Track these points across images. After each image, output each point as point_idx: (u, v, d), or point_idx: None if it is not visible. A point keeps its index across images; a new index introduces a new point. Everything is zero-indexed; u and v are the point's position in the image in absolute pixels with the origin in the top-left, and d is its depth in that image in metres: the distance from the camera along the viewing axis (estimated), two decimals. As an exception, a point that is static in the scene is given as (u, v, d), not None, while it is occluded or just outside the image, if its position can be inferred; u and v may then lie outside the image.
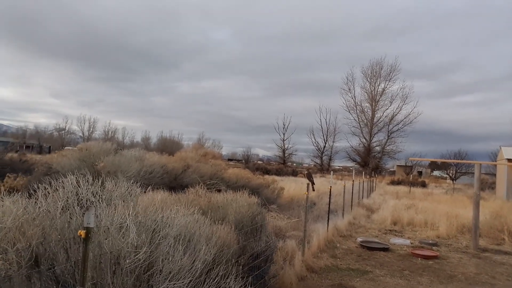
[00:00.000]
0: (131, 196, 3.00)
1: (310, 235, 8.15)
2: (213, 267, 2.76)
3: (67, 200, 2.49)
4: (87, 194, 2.65)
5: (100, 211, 2.37)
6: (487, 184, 38.49)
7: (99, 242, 2.16)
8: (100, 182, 3.05)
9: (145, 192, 4.80)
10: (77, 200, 2.56)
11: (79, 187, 2.71)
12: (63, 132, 78.90)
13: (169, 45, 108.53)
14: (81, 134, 77.96)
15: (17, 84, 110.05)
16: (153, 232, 2.39)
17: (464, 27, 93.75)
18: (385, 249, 8.71)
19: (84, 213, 1.90)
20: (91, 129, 79.35)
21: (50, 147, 72.47)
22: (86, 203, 2.50)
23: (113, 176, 8.15)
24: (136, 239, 2.17)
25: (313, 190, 7.60)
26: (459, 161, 51.42)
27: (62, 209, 2.48)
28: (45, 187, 2.56)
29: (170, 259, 2.27)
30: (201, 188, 5.51)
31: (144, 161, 9.21)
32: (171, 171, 10.49)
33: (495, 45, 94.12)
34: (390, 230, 11.49)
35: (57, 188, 2.67)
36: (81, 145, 9.00)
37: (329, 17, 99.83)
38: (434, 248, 9.23)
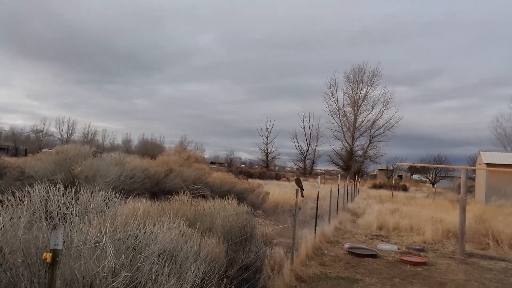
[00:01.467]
0: (109, 207, 2.67)
1: (297, 242, 7.92)
2: (202, 286, 2.47)
3: (33, 214, 2.16)
4: (58, 207, 2.31)
5: (72, 227, 2.04)
6: (466, 188, 39.33)
7: (70, 266, 1.83)
8: (74, 190, 2.71)
9: (125, 200, 4.45)
10: (46, 213, 2.23)
11: (48, 198, 2.38)
12: (40, 134, 76.58)
13: (153, 48, 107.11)
14: (59, 136, 75.89)
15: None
16: (134, 250, 2.08)
17: (443, 36, 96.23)
18: (373, 256, 8.55)
19: (51, 232, 1.59)
20: (70, 131, 77.35)
21: (26, 149, 70.20)
22: (57, 217, 2.18)
23: (91, 181, 7.73)
24: (114, 261, 1.87)
25: (302, 196, 7.37)
26: (445, 166, 52.45)
27: (28, 224, 2.14)
28: (7, 198, 2.21)
29: (155, 286, 1.98)
30: (184, 194, 5.20)
31: (125, 165, 8.78)
32: (153, 175, 10.08)
33: (471, 54, 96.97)
34: (376, 235, 11.38)
35: (22, 199, 2.33)
36: (57, 148, 8.52)
37: (312, 23, 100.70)
38: (421, 253, 9.14)
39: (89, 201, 2.66)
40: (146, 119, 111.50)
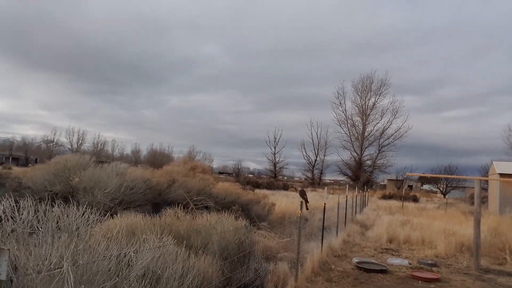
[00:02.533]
0: (83, 225, 2.41)
1: (303, 256, 7.57)
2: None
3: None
4: (25, 224, 2.07)
5: (27, 250, 1.79)
6: (480, 199, 38.32)
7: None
8: (46, 206, 2.47)
9: (121, 212, 4.20)
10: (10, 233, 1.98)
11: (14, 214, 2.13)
12: (51, 144, 77.45)
13: (159, 58, 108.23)
14: (69, 146, 76.65)
15: (6, 96, 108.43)
16: (106, 275, 1.82)
17: (449, 44, 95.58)
18: (383, 271, 8.14)
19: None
20: (80, 141, 78.19)
21: (36, 159, 70.96)
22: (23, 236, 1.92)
23: (89, 192, 7.53)
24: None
25: (307, 208, 7.05)
26: (458, 176, 51.36)
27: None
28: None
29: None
30: (182, 207, 4.94)
31: (126, 176, 8.56)
32: (155, 186, 9.85)
33: (478, 61, 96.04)
34: (386, 249, 10.94)
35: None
36: (56, 158, 8.36)
37: (317, 32, 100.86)
38: (434, 269, 8.70)
39: (61, 218, 2.40)
40: (154, 129, 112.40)
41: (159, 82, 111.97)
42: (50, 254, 1.75)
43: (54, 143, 78.47)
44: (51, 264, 1.66)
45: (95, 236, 2.20)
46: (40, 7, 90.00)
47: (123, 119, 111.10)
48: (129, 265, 2.34)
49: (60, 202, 6.69)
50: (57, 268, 1.65)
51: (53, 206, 2.90)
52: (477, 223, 9.13)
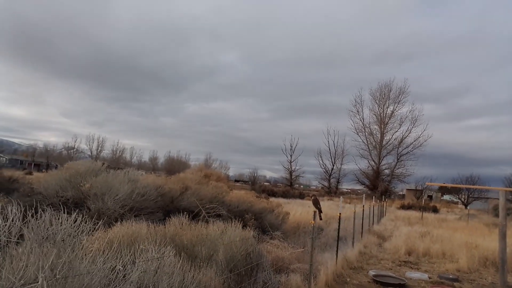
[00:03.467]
0: (73, 234, 2.26)
1: (317, 268, 7.28)
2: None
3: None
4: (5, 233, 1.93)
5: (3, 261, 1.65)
6: (506, 211, 36.91)
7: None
8: (31, 214, 2.33)
9: (123, 221, 4.07)
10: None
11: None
12: (72, 150, 79.21)
13: (178, 66, 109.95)
14: (89, 153, 78.22)
15: (30, 103, 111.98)
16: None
17: (469, 53, 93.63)
18: (401, 285, 7.77)
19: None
20: (100, 148, 79.75)
21: (57, 165, 72.65)
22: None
23: (100, 199, 7.47)
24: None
25: (320, 218, 6.79)
26: (481, 187, 49.63)
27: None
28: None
29: None
30: (193, 215, 4.78)
31: (138, 183, 8.50)
32: (168, 193, 9.75)
33: (500, 70, 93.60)
34: (404, 262, 10.51)
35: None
36: (68, 164, 8.38)
37: (336, 42, 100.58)
38: (455, 284, 8.27)
39: (49, 227, 2.26)
40: (172, 136, 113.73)
41: (178, 90, 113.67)
42: (26, 266, 1.61)
43: (74, 149, 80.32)
44: (21, 278, 1.50)
45: (85, 246, 2.06)
46: (65, 16, 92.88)
47: (142, 126, 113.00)
48: (124, 277, 2.19)
49: (70, 208, 6.63)
50: (31, 283, 1.50)
51: (64, 213, 2.76)
52: (503, 236, 8.63)
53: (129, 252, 2.33)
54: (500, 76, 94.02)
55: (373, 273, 8.48)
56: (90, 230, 2.37)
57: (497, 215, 34.88)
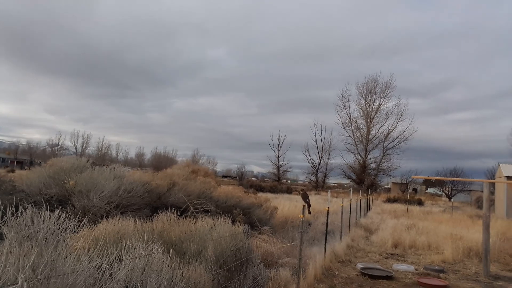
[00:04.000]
0: (57, 232, 2.17)
1: (305, 262, 7.31)
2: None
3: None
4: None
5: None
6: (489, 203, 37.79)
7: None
8: (11, 211, 2.24)
9: (110, 218, 3.98)
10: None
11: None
12: (56, 147, 77.68)
13: (166, 62, 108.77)
14: (74, 150, 76.85)
15: (13, 99, 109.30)
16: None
17: (456, 47, 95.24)
18: (389, 277, 7.87)
19: None
20: (85, 145, 78.34)
21: (40, 162, 71.11)
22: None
23: (85, 196, 7.33)
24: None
25: (309, 212, 6.81)
26: (465, 179, 50.68)
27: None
28: None
29: None
30: (181, 211, 4.72)
31: (124, 179, 8.36)
32: (155, 189, 9.63)
33: (486, 64, 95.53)
34: (391, 254, 10.65)
35: None
36: (52, 161, 8.17)
37: (324, 36, 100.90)
38: (441, 275, 8.41)
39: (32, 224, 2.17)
40: (159, 132, 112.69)
41: (166, 86, 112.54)
42: (5, 267, 1.53)
43: (59, 146, 78.77)
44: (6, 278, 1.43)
45: (69, 245, 1.98)
46: (49, 11, 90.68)
47: (129, 122, 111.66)
48: (111, 276, 2.12)
49: (54, 206, 6.48)
50: (11, 284, 1.43)
51: (47, 210, 2.66)
52: (486, 228, 8.83)
53: (116, 249, 2.27)
54: (485, 70, 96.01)
55: (361, 266, 8.56)
56: (74, 228, 2.29)
57: (479, 207, 35.69)
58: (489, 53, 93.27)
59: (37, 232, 1.95)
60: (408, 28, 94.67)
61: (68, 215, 2.68)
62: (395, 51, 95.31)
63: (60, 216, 2.28)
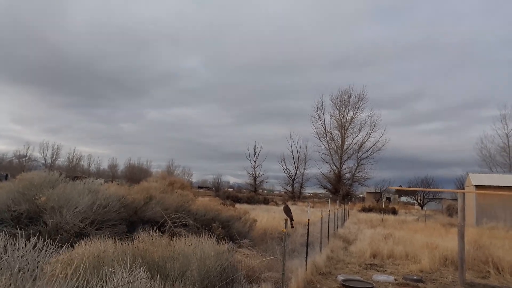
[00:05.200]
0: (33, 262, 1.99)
1: (287, 275, 7.21)
2: None
3: None
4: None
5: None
6: (454, 210, 39.10)
7: None
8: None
9: (84, 237, 3.76)
10: None
11: None
12: (24, 159, 74.48)
13: (139, 72, 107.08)
14: (43, 161, 73.95)
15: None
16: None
17: (422, 59, 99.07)
18: (370, 289, 7.89)
19: None
20: (55, 156, 75.52)
21: (7, 175, 68.07)
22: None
23: (57, 212, 6.98)
24: None
25: (292, 226, 6.75)
26: (443, 190, 52.18)
27: None
28: None
29: None
30: (158, 227, 4.54)
31: (99, 193, 8.04)
32: (131, 204, 9.32)
33: (451, 76, 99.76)
34: (370, 264, 10.72)
35: None
36: (22, 175, 7.75)
37: (296, 48, 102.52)
38: (420, 284, 8.52)
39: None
40: (133, 143, 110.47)
41: (139, 96, 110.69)
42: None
43: (27, 158, 75.60)
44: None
45: (47, 275, 1.81)
46: (15, 16, 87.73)
47: (101, 133, 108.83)
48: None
49: (24, 224, 6.10)
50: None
51: (18, 229, 2.46)
52: (461, 237, 9.04)
53: (97, 276, 2.11)
54: (451, 81, 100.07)
55: (342, 277, 8.55)
56: (49, 252, 2.11)
57: (450, 215, 36.82)
58: (453, 65, 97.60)
59: (13, 263, 1.76)
60: (376, 40, 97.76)
61: (41, 235, 2.49)
62: (364, 63, 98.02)
63: (36, 243, 2.10)
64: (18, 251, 1.93)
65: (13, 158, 75.97)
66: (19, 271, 1.71)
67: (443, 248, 11.86)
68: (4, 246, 1.95)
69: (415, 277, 9.00)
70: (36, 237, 2.14)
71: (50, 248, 2.15)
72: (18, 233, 6.52)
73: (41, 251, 2.05)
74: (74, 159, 78.02)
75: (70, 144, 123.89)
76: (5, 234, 5.92)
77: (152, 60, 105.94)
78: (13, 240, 2.20)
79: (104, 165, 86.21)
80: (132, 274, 2.20)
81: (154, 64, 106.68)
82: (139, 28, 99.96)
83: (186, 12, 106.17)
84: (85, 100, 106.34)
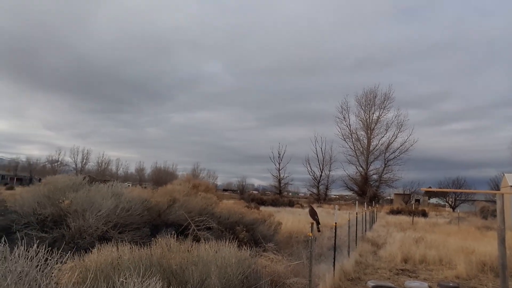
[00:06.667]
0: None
1: (314, 281, 6.90)
2: None
3: None
4: None
5: None
6: (489, 212, 37.23)
7: None
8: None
9: (107, 240, 3.62)
10: None
11: None
12: (56, 164, 77.24)
13: (162, 77, 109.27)
14: (74, 165, 76.44)
15: (12, 116, 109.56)
16: None
17: (448, 59, 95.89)
18: (402, 296, 7.45)
19: None
20: (84, 161, 77.99)
21: (40, 179, 70.70)
22: None
23: (80, 216, 6.96)
24: None
25: (318, 230, 6.44)
26: (479, 191, 50.06)
27: None
28: None
29: None
30: (180, 230, 4.36)
31: (122, 196, 8.01)
32: (154, 207, 9.26)
33: (478, 75, 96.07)
34: (401, 270, 10.21)
35: None
36: (46, 179, 7.84)
37: (317, 49, 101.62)
38: (457, 292, 7.99)
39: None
40: (159, 147, 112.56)
41: (163, 100, 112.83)
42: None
43: (58, 162, 78.39)
44: None
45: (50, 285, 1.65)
46: (45, 27, 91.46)
47: (128, 137, 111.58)
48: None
49: (48, 227, 6.07)
50: None
51: (42, 232, 2.32)
52: (502, 241, 8.38)
53: (106, 286, 1.93)
54: (479, 80, 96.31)
55: (372, 284, 8.14)
56: (55, 261, 1.95)
57: (485, 217, 35.09)
58: (480, 63, 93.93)
59: (26, 276, 1.59)
60: (399, 40, 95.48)
61: (63, 239, 2.33)
62: (388, 63, 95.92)
63: (38, 251, 1.93)
64: (31, 260, 1.77)
65: (46, 163, 78.97)
66: (19, 280, 1.55)
67: (480, 253, 11.17)
68: (18, 255, 1.78)
69: (451, 284, 8.47)
70: (52, 237, 1.99)
71: (63, 254, 1.99)
72: (44, 236, 6.52)
73: (47, 259, 1.88)
74: (103, 163, 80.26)
75: (98, 148, 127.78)
76: (31, 238, 5.93)
77: (174, 65, 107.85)
78: (29, 245, 2.06)
79: (132, 169, 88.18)
80: (144, 285, 2.01)
81: (177, 69, 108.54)
82: (162, 35, 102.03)
83: (206, 17, 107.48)
84: (111, 106, 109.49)
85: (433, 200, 74.78)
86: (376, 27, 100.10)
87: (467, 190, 51.32)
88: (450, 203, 63.66)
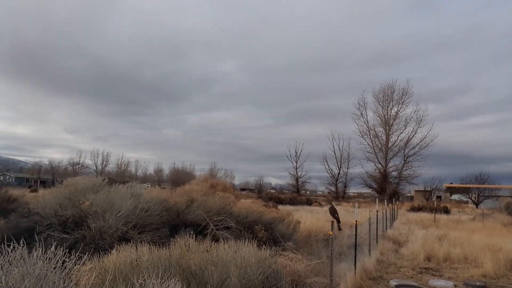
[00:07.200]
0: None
1: (335, 280, 6.77)
2: None
3: None
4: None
5: None
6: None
7: None
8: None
9: (127, 240, 3.62)
10: None
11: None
12: (77, 166, 79.13)
13: (178, 78, 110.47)
14: (94, 168, 78.10)
15: (33, 121, 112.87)
16: None
17: (466, 51, 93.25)
18: (427, 296, 7.25)
19: None
20: (105, 163, 79.56)
21: (62, 181, 72.27)
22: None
23: (101, 217, 7.04)
24: None
25: (339, 229, 6.32)
26: (505, 186, 48.57)
27: None
28: None
29: None
30: (199, 230, 4.33)
31: (141, 197, 8.06)
32: (173, 207, 9.30)
33: (498, 67, 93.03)
34: (425, 268, 9.95)
35: None
36: (67, 181, 7.97)
37: (331, 45, 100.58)
38: (484, 291, 7.73)
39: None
40: (176, 148, 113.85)
41: (179, 102, 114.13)
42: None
43: (80, 165, 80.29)
44: None
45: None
46: (64, 33, 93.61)
47: (146, 139, 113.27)
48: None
49: (70, 228, 6.15)
50: None
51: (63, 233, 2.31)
52: (531, 238, 8.09)
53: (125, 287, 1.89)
54: (499, 72, 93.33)
55: (395, 283, 7.96)
56: (82, 262, 1.94)
57: (510, 213, 33.94)
58: (500, 56, 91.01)
59: (44, 278, 1.59)
60: (415, 34, 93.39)
61: (84, 239, 2.32)
62: (404, 58, 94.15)
63: (56, 253, 1.92)
64: (39, 261, 1.76)
65: (68, 165, 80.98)
66: (37, 282, 1.54)
67: (508, 250, 10.80)
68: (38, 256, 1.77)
69: (478, 283, 8.19)
70: (73, 239, 1.98)
71: (82, 255, 1.97)
72: (65, 237, 6.62)
73: (64, 261, 1.87)
74: (123, 165, 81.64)
75: (118, 150, 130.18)
76: (53, 239, 5.99)
77: (190, 66, 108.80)
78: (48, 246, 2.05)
79: (150, 170, 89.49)
80: (163, 286, 1.97)
81: (192, 70, 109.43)
82: (177, 37, 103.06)
83: (219, 17, 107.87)
84: (129, 108, 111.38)
85: (455, 197, 72.93)
86: (390, 22, 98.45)
87: (491, 186, 49.71)
88: (473, 199, 61.99)
